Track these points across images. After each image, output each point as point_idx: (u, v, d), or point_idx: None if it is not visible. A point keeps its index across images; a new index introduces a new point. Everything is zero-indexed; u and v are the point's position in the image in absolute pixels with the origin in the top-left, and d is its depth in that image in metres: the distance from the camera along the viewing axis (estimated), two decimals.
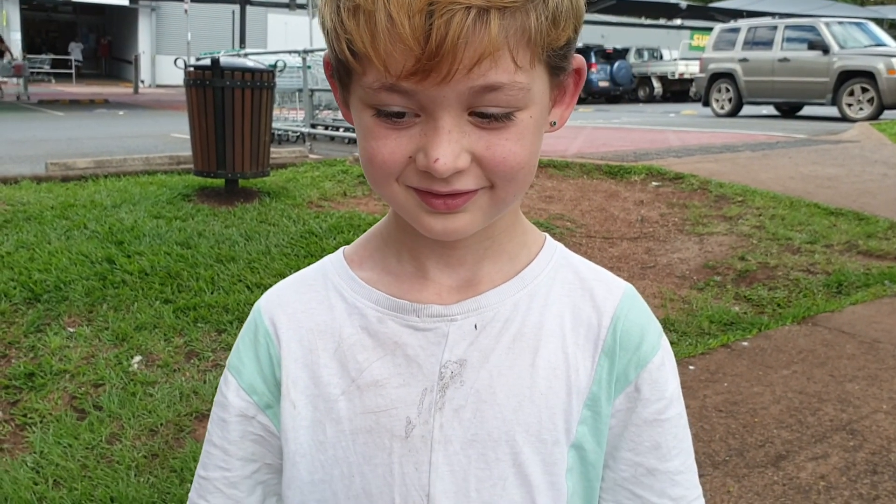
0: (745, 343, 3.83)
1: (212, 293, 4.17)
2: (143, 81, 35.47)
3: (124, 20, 40.84)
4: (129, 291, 4.16)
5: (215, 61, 5.49)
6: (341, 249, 0.87)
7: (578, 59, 0.74)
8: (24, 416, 3.10)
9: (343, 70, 0.69)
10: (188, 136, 6.01)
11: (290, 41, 37.65)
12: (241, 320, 3.89)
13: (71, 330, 3.79)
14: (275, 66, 7.34)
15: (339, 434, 0.79)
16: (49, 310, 3.96)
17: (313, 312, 0.83)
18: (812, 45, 15.42)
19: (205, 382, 3.35)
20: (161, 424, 3.04)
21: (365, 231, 0.88)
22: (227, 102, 5.56)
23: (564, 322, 0.79)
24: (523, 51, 0.64)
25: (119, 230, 5.02)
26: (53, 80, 36.78)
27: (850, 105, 14.84)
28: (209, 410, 3.18)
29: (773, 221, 5.79)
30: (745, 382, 3.40)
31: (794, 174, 7.62)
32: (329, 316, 0.82)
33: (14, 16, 36.79)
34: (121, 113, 20.35)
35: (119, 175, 7.01)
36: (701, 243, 5.49)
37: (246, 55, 11.45)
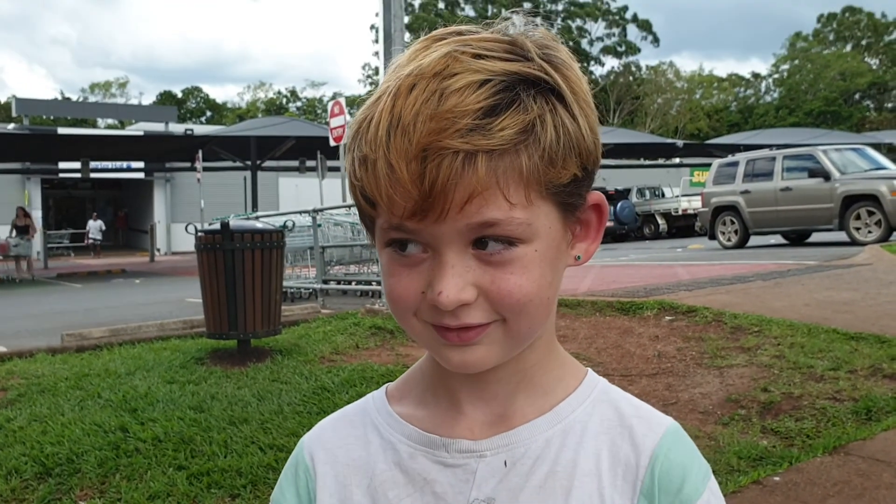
0: (777, 478, 3.69)
1: (225, 457, 4.08)
2: (159, 250, 36.34)
3: (140, 192, 42.33)
4: (143, 459, 4.08)
5: (225, 225, 5.63)
6: (386, 385, 0.89)
7: (595, 195, 0.78)
8: None
9: (365, 216, 0.75)
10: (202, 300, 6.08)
11: (302, 202, 38.63)
12: (255, 484, 3.79)
13: (83, 503, 3.70)
14: (284, 226, 7.52)
15: None
16: (61, 483, 3.88)
17: (350, 448, 0.84)
18: (812, 173, 15.69)
19: None
20: None
21: (378, 383, 0.89)
22: (237, 264, 5.66)
23: (601, 461, 0.77)
24: (516, 189, 0.67)
25: (133, 397, 5.00)
26: (73, 254, 37.71)
27: (857, 229, 14.93)
28: None
29: (792, 350, 5.71)
30: None
31: (809, 301, 7.58)
32: (364, 451, 0.83)
33: (36, 195, 38.22)
34: (137, 281, 20.71)
35: (134, 342, 7.04)
36: (721, 376, 5.39)
37: (257, 217, 11.75)
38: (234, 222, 5.84)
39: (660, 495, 0.75)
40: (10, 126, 38.42)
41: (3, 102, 70.99)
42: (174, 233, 41.06)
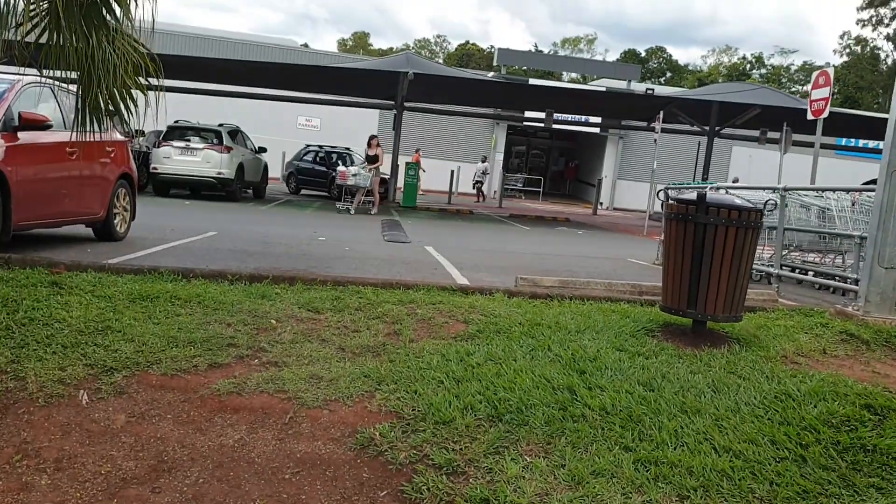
0: None
1: (675, 448, 3.76)
2: (601, 203, 37.29)
3: (592, 146, 43.68)
4: (588, 429, 3.94)
5: (701, 197, 5.23)
6: None
7: None
8: None
9: None
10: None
11: (754, 174, 36.72)
12: (707, 489, 3.42)
13: (528, 459, 3.67)
14: (765, 205, 6.87)
15: None
16: (509, 432, 3.90)
17: None
18: None
19: None
20: None
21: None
22: (707, 240, 5.25)
23: None
24: None
25: (581, 358, 4.91)
26: (523, 197, 40.49)
27: None
28: None
29: None
30: None
31: None
32: None
33: (501, 139, 41.59)
34: (580, 233, 21.38)
35: (582, 298, 7.04)
36: None
37: (719, 189, 11.13)
38: (711, 195, 5.40)
39: None
40: (490, 74, 42.08)
41: (486, 51, 78.36)
42: (619, 189, 41.84)
